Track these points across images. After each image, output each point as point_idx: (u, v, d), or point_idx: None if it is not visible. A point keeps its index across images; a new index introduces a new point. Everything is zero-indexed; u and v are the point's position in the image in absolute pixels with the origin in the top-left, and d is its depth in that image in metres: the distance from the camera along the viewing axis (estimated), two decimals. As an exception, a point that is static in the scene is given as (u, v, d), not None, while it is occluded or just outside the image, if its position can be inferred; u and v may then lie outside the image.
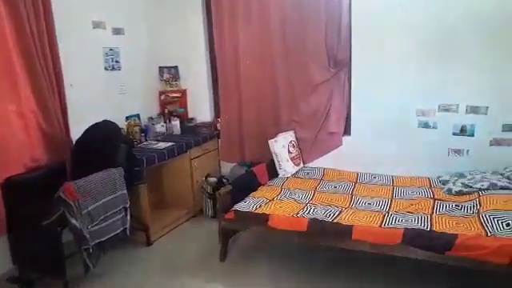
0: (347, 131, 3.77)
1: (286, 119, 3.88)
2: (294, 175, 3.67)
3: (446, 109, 3.36)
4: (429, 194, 3.12)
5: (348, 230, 2.63)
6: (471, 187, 3.02)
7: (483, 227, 2.46)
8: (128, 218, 3.06)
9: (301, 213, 2.86)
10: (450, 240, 2.38)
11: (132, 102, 4.00)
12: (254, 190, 3.36)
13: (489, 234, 2.38)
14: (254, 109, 3.98)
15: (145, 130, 3.97)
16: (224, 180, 4.01)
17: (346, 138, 3.78)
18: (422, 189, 3.22)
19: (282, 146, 3.67)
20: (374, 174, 3.57)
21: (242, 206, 3.02)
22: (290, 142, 3.75)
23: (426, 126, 3.45)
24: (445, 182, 3.24)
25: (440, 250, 2.40)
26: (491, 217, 2.53)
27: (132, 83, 3.99)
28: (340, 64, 3.63)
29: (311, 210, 2.88)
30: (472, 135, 3.32)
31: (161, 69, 4.33)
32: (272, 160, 3.72)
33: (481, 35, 3.13)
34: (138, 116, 4.03)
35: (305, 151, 3.86)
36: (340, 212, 2.85)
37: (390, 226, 2.60)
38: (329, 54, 3.62)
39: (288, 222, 2.81)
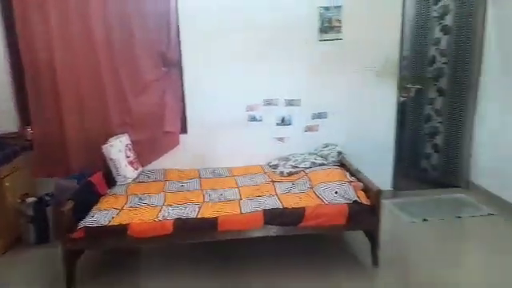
0: (183, 129, 3.81)
1: (117, 121, 3.61)
2: (135, 180, 3.47)
3: (269, 103, 3.81)
4: (266, 178, 3.49)
5: (213, 222, 2.70)
6: (298, 167, 3.55)
7: (319, 198, 2.95)
8: None
9: (161, 216, 2.76)
10: (300, 213, 2.77)
11: None
12: (96, 202, 3.03)
13: (326, 203, 2.87)
14: (77, 111, 3.54)
15: None
16: (47, 198, 3.43)
17: (182, 137, 3.81)
18: (258, 175, 3.58)
19: (118, 150, 3.40)
20: (213, 168, 3.73)
21: (91, 222, 2.68)
22: (127, 145, 3.52)
23: (253, 119, 3.83)
24: (275, 167, 3.69)
25: (294, 224, 2.76)
26: (322, 188, 3.05)
27: None
28: (171, 63, 3.62)
29: (171, 211, 2.81)
30: (290, 124, 3.89)
31: None
32: (107, 167, 3.41)
33: (291, 39, 3.69)
34: None
35: (142, 154, 3.69)
36: (200, 207, 2.88)
37: (248, 210, 2.81)
38: (159, 53, 3.57)
39: (151, 228, 2.66)
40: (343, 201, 2.86)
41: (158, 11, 3.48)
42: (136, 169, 3.56)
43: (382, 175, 3.93)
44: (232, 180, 3.49)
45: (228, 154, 3.82)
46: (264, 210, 2.78)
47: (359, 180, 3.13)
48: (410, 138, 4.69)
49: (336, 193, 2.95)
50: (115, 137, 3.50)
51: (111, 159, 3.36)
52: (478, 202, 3.88)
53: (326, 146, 3.81)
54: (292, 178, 3.44)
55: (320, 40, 3.74)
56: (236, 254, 3.07)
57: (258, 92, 3.77)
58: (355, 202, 2.83)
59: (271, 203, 2.90)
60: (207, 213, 2.79)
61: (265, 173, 3.63)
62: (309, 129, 3.91)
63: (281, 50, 3.68)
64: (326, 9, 3.70)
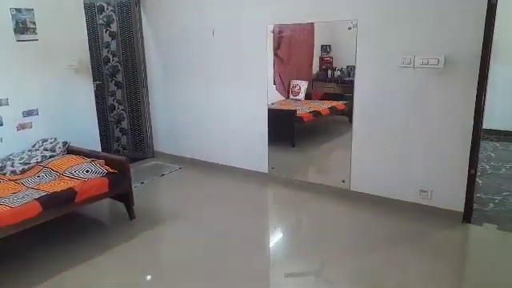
0: None
1: None
2: None
3: (-26, 105, 3.56)
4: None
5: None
6: (30, 163, 3.64)
7: (76, 179, 3.34)
8: None
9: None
10: (71, 192, 3.12)
11: None
12: None
13: (87, 179, 3.32)
14: None
15: None
16: None
17: None
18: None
19: None
20: None
21: None
22: None
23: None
24: (1, 169, 3.57)
25: (70, 201, 3.09)
26: (73, 172, 3.42)
27: None
28: None
29: None
30: (1, 125, 3.78)
31: None
32: None
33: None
34: None
35: None
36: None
37: (21, 203, 2.84)
38: None
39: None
40: (98, 176, 3.40)
41: None
42: None
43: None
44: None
45: None
46: (38, 198, 2.93)
47: (99, 157, 3.71)
48: (101, 126, 5.44)
49: (87, 171, 3.44)
50: None
51: None
52: (167, 162, 5.27)
53: (45, 140, 4.01)
54: (30, 173, 3.52)
55: (18, 40, 3.84)
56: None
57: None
58: (108, 173, 3.46)
59: (36, 193, 3.04)
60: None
61: (-17, 178, 3.45)
62: (22, 127, 3.95)
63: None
64: (18, 10, 3.84)
